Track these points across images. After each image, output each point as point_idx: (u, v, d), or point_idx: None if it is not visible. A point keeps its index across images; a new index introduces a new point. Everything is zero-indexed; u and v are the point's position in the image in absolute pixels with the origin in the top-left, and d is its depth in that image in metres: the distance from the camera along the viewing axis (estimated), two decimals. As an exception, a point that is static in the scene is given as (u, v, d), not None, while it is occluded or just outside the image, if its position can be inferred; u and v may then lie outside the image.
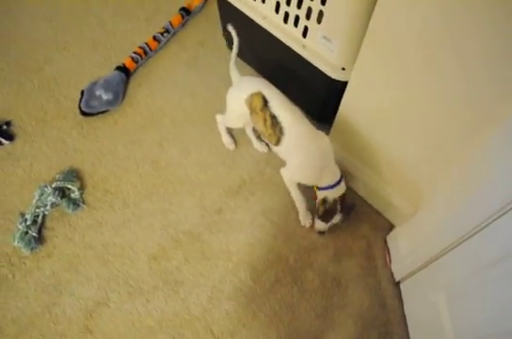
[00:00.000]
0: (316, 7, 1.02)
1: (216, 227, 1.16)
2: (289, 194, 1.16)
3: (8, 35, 1.68)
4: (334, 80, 1.11)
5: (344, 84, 1.05)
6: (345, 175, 1.07)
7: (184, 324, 1.01)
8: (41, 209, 1.24)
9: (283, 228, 1.14)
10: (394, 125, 0.96)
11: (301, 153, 1.02)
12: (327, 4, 0.99)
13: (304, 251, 1.09)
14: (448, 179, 0.88)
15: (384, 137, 1.01)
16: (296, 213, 1.16)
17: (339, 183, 1.02)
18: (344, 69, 1.09)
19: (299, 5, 1.08)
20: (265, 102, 1.06)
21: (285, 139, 1.03)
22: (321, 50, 1.10)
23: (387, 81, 0.90)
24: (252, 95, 1.08)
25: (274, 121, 1.03)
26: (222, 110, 1.28)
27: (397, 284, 1.04)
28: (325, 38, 1.06)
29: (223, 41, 1.59)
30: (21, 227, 1.20)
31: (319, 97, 1.27)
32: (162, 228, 1.18)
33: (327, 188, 1.01)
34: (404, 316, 1.01)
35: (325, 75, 1.12)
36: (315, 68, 1.14)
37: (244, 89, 1.11)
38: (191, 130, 1.39)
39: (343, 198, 1.02)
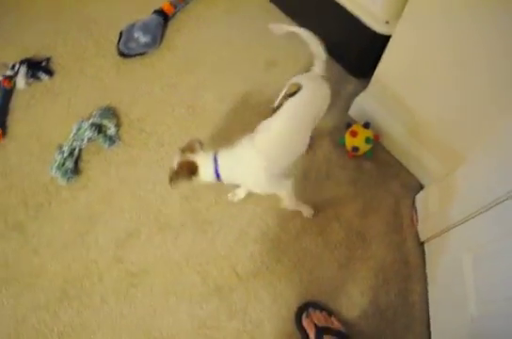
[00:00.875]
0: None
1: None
2: (324, 151, 1.18)
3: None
4: (376, 33, 1.06)
5: (387, 38, 1.00)
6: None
7: (210, 261, 1.06)
8: (78, 143, 1.28)
9: (314, 181, 1.15)
10: (433, 86, 0.93)
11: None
12: None
13: (332, 204, 1.11)
14: (484, 143, 0.86)
15: (421, 97, 0.99)
16: (329, 168, 1.17)
17: None
18: (387, 22, 1.05)
19: None
20: None
21: None
22: (365, 2, 1.06)
23: (431, 40, 0.86)
24: None
25: None
26: (257, 62, 1.26)
27: (421, 244, 1.06)
28: (369, -12, 1.02)
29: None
30: (58, 158, 1.25)
31: (358, 50, 1.24)
32: (195, 170, 1.21)
33: None
34: (425, 275, 1.03)
35: (367, 28, 1.08)
36: (357, 19, 1.09)
37: None
38: (227, 78, 1.38)
39: None
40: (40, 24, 1.60)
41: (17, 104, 1.41)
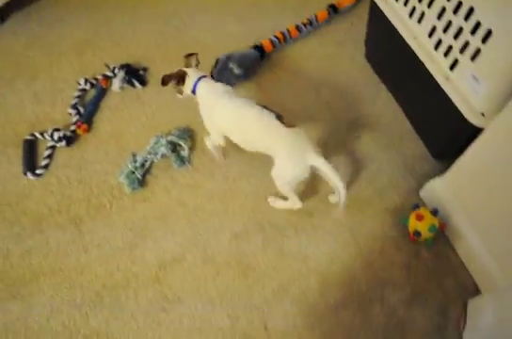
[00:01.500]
0: (475, 43, 0.96)
1: (303, 228, 1.21)
2: (383, 224, 1.19)
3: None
4: (468, 123, 1.04)
5: (478, 130, 0.99)
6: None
7: (243, 308, 1.09)
8: (151, 156, 1.35)
9: (366, 253, 1.15)
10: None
11: None
12: (488, 43, 0.92)
13: (379, 284, 1.10)
14: None
15: (503, 202, 0.97)
16: (384, 244, 1.17)
17: None
18: (483, 115, 1.03)
19: (457, 35, 1.02)
20: None
21: None
22: (465, 88, 1.04)
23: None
24: None
25: None
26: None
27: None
28: (474, 77, 1.00)
29: (362, 49, 1.56)
30: (130, 166, 1.33)
31: (445, 133, 1.22)
32: (252, 210, 1.24)
33: None
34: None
35: (460, 115, 1.06)
36: (452, 104, 1.08)
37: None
38: (306, 125, 1.41)
39: None
40: (148, 33, 1.71)
41: (107, 104, 1.52)
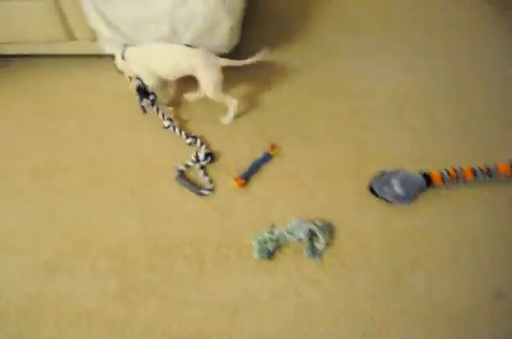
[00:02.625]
0: None
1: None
2: None
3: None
4: None
5: None
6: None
7: None
8: (288, 235, 1.48)
9: None
10: None
11: None
12: None
13: None
14: None
15: None
16: None
17: None
18: None
19: None
20: None
21: None
22: None
23: None
24: None
25: None
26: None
27: None
28: None
29: None
30: (266, 235, 1.47)
31: None
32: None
33: None
34: None
35: None
36: None
37: None
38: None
39: None
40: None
41: (268, 170, 1.69)
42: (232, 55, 1.86)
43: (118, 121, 1.89)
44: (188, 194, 1.62)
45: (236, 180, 1.64)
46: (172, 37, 1.80)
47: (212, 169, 1.70)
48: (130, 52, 1.75)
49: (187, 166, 1.70)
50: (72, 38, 1.95)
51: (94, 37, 1.93)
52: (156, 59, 1.73)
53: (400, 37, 2.21)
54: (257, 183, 1.66)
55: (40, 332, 1.33)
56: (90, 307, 1.37)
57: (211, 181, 1.65)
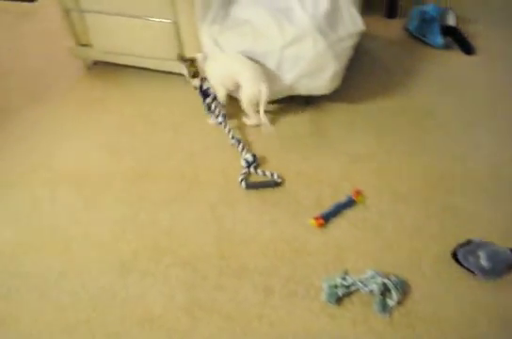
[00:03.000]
0: None
1: None
2: None
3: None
4: None
5: None
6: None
7: None
8: (360, 285, 1.47)
9: None
10: None
11: None
12: None
13: None
14: None
15: None
16: None
17: None
18: None
19: None
20: None
21: None
22: None
23: None
24: None
25: None
26: None
27: None
28: None
29: None
30: (337, 280, 1.47)
31: None
32: None
33: None
34: None
35: None
36: None
37: None
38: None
39: None
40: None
41: (349, 215, 1.70)
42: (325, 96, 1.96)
43: (209, 140, 2.01)
44: (266, 222, 1.67)
45: (316, 219, 1.66)
46: (276, 72, 1.91)
47: (293, 204, 1.74)
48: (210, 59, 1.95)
49: (245, 173, 1.82)
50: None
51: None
52: (219, 65, 1.91)
53: (509, 106, 2.18)
54: (336, 226, 1.67)
55: (107, 325, 1.39)
56: (155, 312, 1.41)
57: (273, 174, 1.81)
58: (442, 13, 2.49)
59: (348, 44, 1.88)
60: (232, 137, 1.93)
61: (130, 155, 1.95)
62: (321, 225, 1.66)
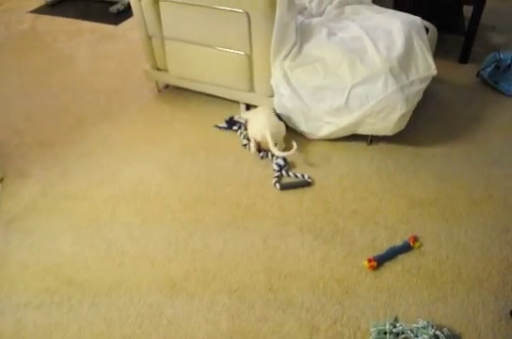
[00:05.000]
0: None
1: None
2: None
3: None
4: None
5: None
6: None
7: None
8: (410, 334, 1.46)
9: None
10: None
11: None
12: None
13: None
14: None
15: None
16: None
17: None
18: None
19: None
20: None
21: None
22: None
23: None
24: None
25: None
26: None
27: None
28: None
29: None
30: (387, 326, 1.47)
31: None
32: None
33: None
34: None
35: None
36: None
37: None
38: None
39: None
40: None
41: (404, 260, 1.71)
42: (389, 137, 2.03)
43: (268, 171, 2.11)
44: (318, 258, 1.72)
45: (369, 261, 1.69)
46: (343, 109, 2.00)
47: (347, 243, 1.77)
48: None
49: (278, 176, 2.04)
50: (251, 90, 2.28)
51: (271, 93, 2.22)
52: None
53: None
54: (389, 270, 1.69)
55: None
56: (198, 336, 1.47)
57: (303, 175, 2.03)
58: (517, 61, 2.52)
59: (419, 88, 1.95)
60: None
61: (189, 179, 2.09)
62: (373, 267, 1.68)
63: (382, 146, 2.22)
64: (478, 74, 2.61)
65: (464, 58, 2.73)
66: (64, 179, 2.12)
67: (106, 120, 2.47)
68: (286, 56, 2.01)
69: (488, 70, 2.54)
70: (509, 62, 2.49)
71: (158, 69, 2.45)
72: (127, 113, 2.51)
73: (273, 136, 2.02)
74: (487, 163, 2.14)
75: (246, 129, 2.23)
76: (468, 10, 2.72)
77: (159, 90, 2.62)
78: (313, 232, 1.83)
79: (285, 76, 2.03)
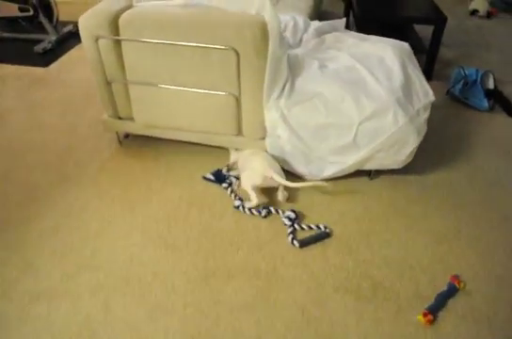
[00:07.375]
0: None
1: None
2: None
3: None
4: None
5: None
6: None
7: None
8: None
9: None
10: None
11: None
12: None
13: None
14: None
15: None
16: None
17: None
18: None
19: None
20: None
21: None
22: None
23: None
24: None
25: None
26: None
27: None
28: None
29: None
30: None
31: None
32: None
33: None
34: None
35: None
36: None
37: None
38: None
39: None
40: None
41: (454, 306, 1.58)
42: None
43: (277, 223, 1.88)
44: (368, 323, 1.52)
45: (424, 315, 1.54)
46: (350, 147, 1.86)
47: (391, 299, 1.60)
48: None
49: (292, 232, 1.82)
50: (238, 133, 2.06)
51: (262, 135, 2.01)
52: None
53: None
54: (445, 320, 1.55)
55: None
56: None
57: (319, 226, 1.84)
58: (482, 76, 2.58)
59: (425, 117, 1.88)
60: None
61: (189, 249, 1.79)
62: (431, 322, 1.52)
63: (384, 179, 2.11)
64: (448, 92, 2.64)
65: (428, 76, 2.76)
66: (27, 273, 1.69)
67: (63, 185, 2.07)
68: (280, 93, 1.83)
69: (458, 87, 2.58)
70: (475, 78, 2.56)
71: (120, 118, 2.12)
72: (87, 174, 2.13)
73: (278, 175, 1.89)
74: (489, 184, 2.12)
75: (237, 185, 2.03)
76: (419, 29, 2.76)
77: (120, 142, 2.28)
78: (352, 291, 1.63)
79: (282, 116, 1.84)
